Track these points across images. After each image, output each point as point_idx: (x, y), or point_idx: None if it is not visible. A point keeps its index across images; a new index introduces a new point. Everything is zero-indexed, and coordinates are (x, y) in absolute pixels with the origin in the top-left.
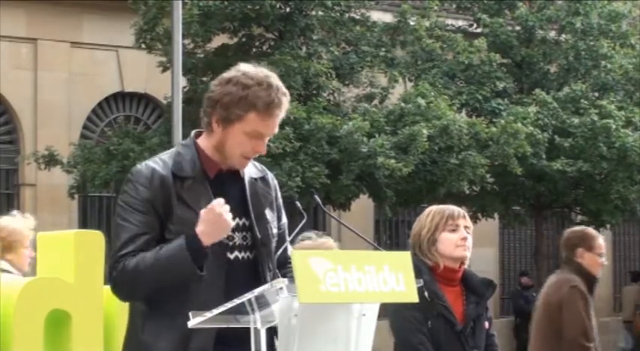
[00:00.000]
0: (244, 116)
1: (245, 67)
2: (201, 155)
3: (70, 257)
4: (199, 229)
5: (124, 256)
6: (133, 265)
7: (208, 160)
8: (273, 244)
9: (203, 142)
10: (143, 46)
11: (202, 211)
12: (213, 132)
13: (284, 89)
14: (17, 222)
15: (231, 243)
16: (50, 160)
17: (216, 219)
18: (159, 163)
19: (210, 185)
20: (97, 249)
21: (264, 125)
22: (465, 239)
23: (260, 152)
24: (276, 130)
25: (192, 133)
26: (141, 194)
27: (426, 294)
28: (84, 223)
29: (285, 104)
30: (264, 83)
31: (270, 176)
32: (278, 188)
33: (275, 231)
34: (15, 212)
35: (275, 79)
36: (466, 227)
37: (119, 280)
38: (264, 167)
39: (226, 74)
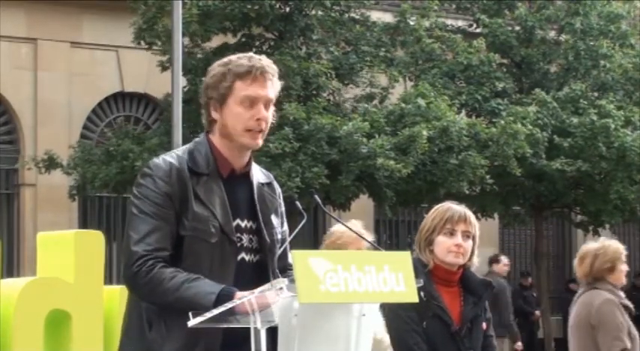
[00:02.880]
0: (232, 87)
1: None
2: (215, 152)
3: (70, 257)
4: (242, 294)
5: (150, 253)
6: (161, 278)
7: (222, 158)
8: (277, 250)
9: (214, 139)
10: (141, 43)
11: (259, 294)
12: (215, 121)
13: (268, 60)
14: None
15: (238, 244)
16: (50, 163)
17: (262, 302)
18: (175, 157)
19: (223, 184)
20: (97, 249)
21: (253, 89)
22: (458, 246)
23: (261, 118)
24: (271, 95)
25: (205, 131)
26: (160, 188)
27: (421, 294)
28: (84, 223)
29: (271, 70)
30: (244, 57)
31: (276, 184)
32: (281, 195)
33: (280, 237)
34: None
35: (257, 56)
36: (465, 232)
37: (141, 280)
38: (269, 174)
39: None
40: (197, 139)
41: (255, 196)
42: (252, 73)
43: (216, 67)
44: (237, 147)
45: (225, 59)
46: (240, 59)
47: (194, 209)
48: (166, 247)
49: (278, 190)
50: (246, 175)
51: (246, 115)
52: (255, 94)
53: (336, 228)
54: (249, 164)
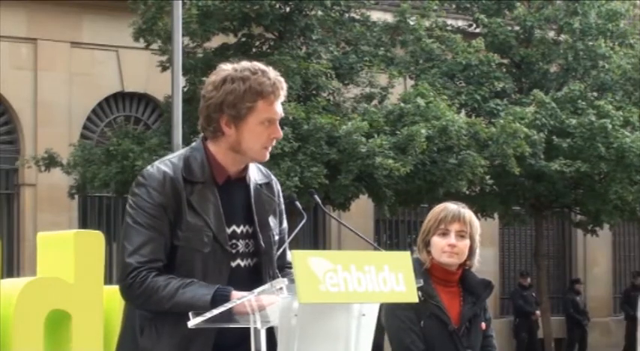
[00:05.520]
0: (254, 107)
1: (229, 65)
2: (211, 160)
3: (70, 257)
4: (241, 294)
5: (144, 265)
6: (155, 287)
7: (218, 166)
8: (275, 251)
9: (212, 147)
10: (142, 41)
11: (255, 298)
12: (225, 135)
13: (276, 71)
14: None
15: (234, 251)
16: (50, 162)
17: (261, 303)
18: (169, 166)
19: (218, 191)
20: (97, 249)
21: (273, 110)
22: (452, 246)
23: (278, 137)
24: (282, 113)
25: (201, 136)
26: (154, 199)
27: (419, 293)
28: (84, 223)
29: (285, 85)
30: (259, 71)
31: (275, 181)
32: (281, 193)
33: (277, 238)
34: None
35: (263, 65)
36: (460, 232)
37: (136, 292)
38: (269, 172)
39: (216, 77)
40: (193, 145)
41: (252, 200)
42: (275, 93)
43: (230, 84)
44: (246, 160)
45: (239, 73)
46: (257, 75)
47: (187, 219)
48: (160, 258)
49: (277, 188)
50: (242, 179)
51: (265, 134)
52: (275, 116)
53: None
54: (245, 168)
